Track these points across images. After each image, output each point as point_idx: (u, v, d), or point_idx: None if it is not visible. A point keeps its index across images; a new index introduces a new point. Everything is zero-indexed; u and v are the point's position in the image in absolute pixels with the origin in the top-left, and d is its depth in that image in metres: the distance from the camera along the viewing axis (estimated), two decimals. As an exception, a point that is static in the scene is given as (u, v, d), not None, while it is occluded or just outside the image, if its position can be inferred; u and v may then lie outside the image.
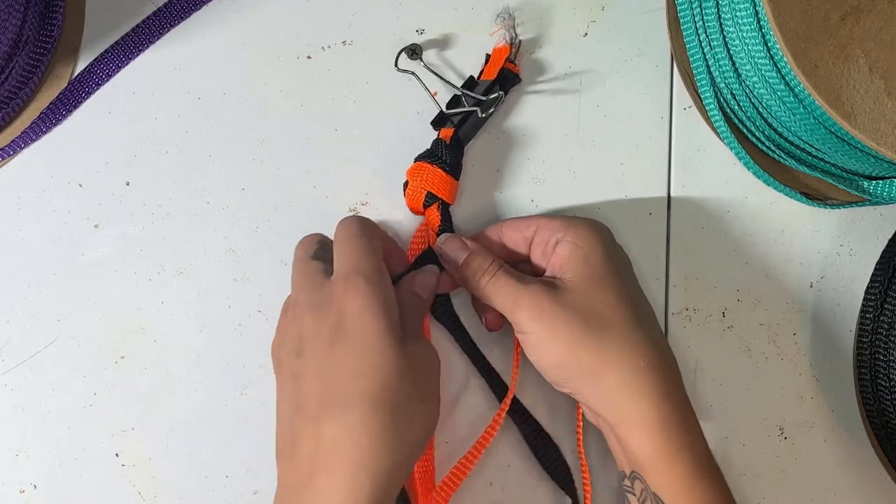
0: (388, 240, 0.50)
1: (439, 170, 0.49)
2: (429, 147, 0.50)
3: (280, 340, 0.46)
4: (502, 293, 0.45)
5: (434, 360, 0.45)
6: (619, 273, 0.46)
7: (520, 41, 0.50)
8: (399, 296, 0.46)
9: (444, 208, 0.49)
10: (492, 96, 0.49)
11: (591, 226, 0.47)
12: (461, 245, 0.48)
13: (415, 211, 0.50)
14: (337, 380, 0.42)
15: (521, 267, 0.48)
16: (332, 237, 0.48)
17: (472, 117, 0.50)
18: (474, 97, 0.49)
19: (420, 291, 0.48)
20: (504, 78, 0.50)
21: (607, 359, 0.44)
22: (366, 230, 0.46)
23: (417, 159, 0.50)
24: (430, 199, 0.49)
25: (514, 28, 0.50)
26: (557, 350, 0.44)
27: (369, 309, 0.43)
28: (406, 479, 0.48)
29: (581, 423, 0.50)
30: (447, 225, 0.49)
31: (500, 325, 0.49)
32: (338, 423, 0.41)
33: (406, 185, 0.50)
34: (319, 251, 0.47)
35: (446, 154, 0.49)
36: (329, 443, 0.41)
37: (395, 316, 0.43)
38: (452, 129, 0.49)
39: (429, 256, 0.50)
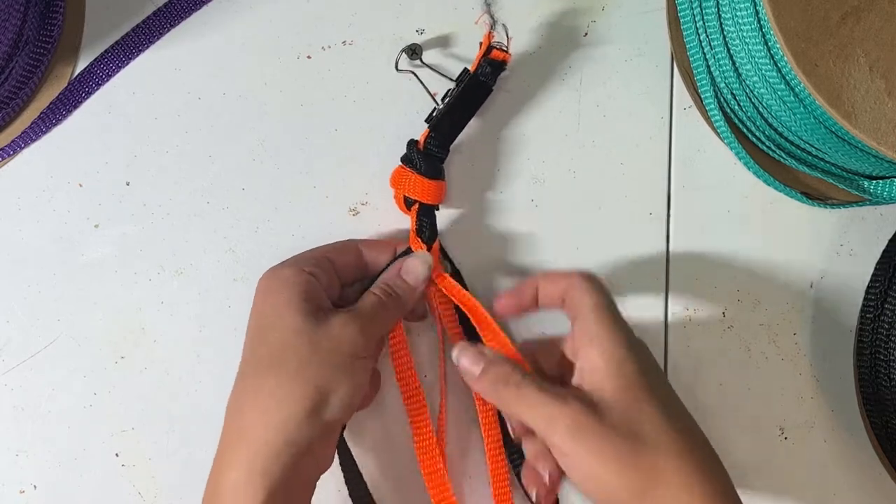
0: (372, 242, 0.50)
1: (413, 174, 0.48)
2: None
3: None
4: (534, 408, 0.42)
5: (339, 338, 0.43)
6: (656, 384, 0.43)
7: (504, 25, 0.49)
8: (380, 278, 0.48)
9: (425, 210, 0.49)
10: (450, 91, 0.49)
11: (623, 334, 0.43)
12: (476, 356, 0.45)
13: (403, 211, 0.50)
14: (244, 356, 0.45)
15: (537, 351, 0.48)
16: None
17: (448, 116, 0.49)
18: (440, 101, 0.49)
19: (406, 276, 0.48)
20: (483, 66, 0.48)
21: (658, 481, 0.40)
22: (328, 243, 0.49)
23: (401, 160, 0.49)
24: (409, 201, 0.49)
25: (491, 13, 0.49)
26: (602, 472, 0.41)
27: (271, 290, 0.45)
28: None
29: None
30: (426, 225, 0.49)
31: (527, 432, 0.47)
32: (233, 396, 0.44)
33: None
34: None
35: (417, 157, 0.49)
36: (227, 414, 0.44)
37: (296, 292, 0.44)
38: (428, 130, 0.49)
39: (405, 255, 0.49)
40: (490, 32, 0.48)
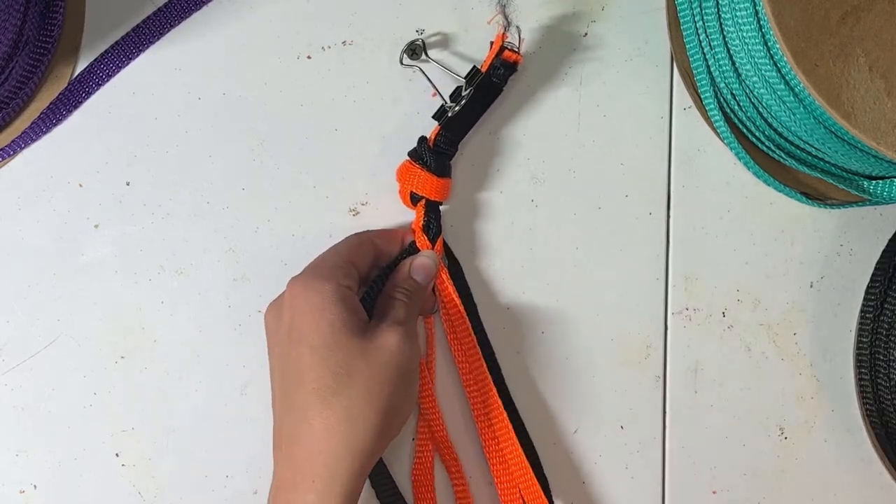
0: (383, 233, 0.50)
1: (421, 170, 0.49)
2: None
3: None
4: None
5: (397, 353, 0.44)
6: None
7: (518, 27, 0.48)
8: (392, 281, 0.48)
9: (431, 205, 0.50)
10: (463, 93, 0.49)
11: None
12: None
13: (407, 206, 0.50)
14: (295, 376, 0.44)
15: None
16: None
17: (460, 114, 0.49)
18: (456, 99, 0.49)
19: (416, 276, 0.48)
20: (496, 67, 0.49)
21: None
22: (344, 242, 0.49)
23: (408, 155, 0.50)
24: (416, 196, 0.49)
25: (506, 14, 0.48)
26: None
27: (316, 307, 0.44)
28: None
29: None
30: (432, 221, 0.49)
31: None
32: (296, 419, 0.43)
33: None
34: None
35: (428, 154, 0.49)
36: (289, 438, 0.43)
37: (343, 310, 0.44)
38: (439, 128, 0.49)
39: (412, 251, 0.50)
40: (504, 33, 0.48)
